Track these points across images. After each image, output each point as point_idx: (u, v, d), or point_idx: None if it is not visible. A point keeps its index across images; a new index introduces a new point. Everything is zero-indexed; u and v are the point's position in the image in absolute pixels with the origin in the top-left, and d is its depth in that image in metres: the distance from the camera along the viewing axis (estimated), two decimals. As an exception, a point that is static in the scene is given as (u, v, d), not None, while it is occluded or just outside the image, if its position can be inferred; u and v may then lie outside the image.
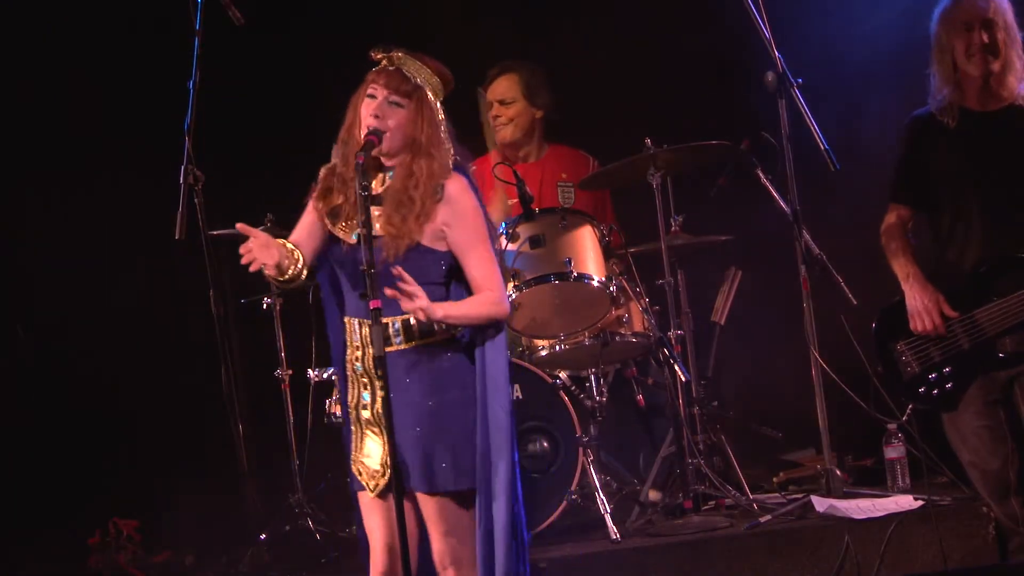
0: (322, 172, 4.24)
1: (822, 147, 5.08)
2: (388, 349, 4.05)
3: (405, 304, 3.99)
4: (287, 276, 4.07)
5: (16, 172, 6.49)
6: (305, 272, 4.13)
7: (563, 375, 5.66)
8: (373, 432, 4.14)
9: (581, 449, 5.33)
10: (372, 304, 3.90)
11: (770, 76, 5.27)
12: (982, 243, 4.82)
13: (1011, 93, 4.85)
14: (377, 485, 4.13)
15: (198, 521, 6.10)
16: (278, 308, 5.90)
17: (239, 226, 4.02)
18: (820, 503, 5.14)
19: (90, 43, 6.48)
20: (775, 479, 6.02)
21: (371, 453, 4.14)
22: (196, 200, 4.15)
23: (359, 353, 4.13)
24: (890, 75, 6.01)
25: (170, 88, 4.64)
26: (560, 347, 5.55)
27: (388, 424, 3.96)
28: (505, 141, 6.19)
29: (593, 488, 5.29)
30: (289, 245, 4.10)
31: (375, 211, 4.11)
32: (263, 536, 5.74)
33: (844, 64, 6.26)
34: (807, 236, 5.32)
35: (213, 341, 5.06)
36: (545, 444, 5.39)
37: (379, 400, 4.10)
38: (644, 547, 5.10)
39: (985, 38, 4.80)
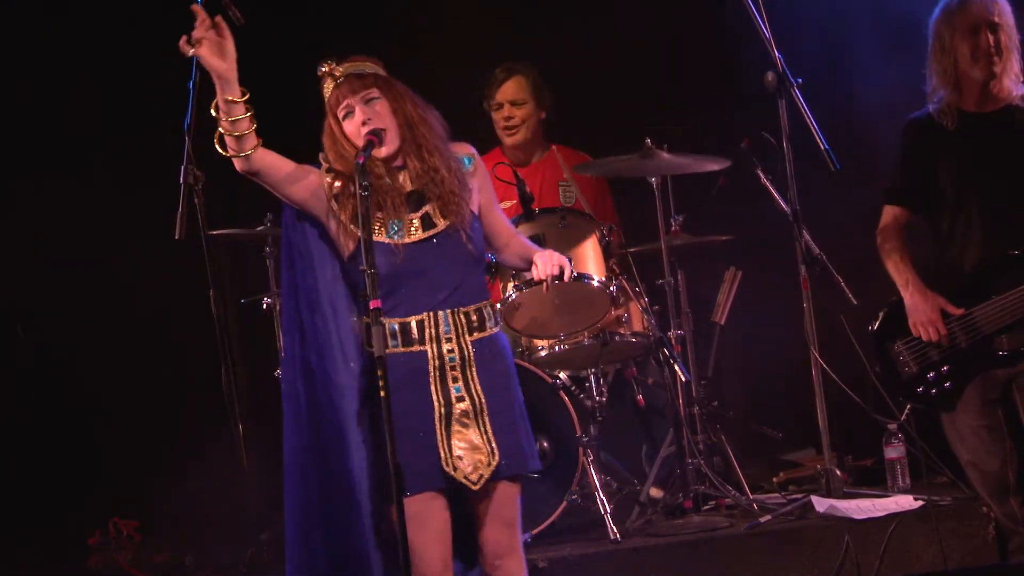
0: (329, 175, 4.17)
1: (822, 147, 5.08)
2: (483, 335, 4.11)
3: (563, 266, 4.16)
4: (234, 120, 3.94)
5: (16, 172, 6.49)
6: (254, 153, 4.01)
7: (563, 375, 5.66)
8: (466, 423, 4.06)
9: (581, 449, 5.33)
10: (372, 304, 3.88)
11: (770, 76, 5.26)
12: (982, 243, 4.82)
13: (1007, 95, 4.84)
14: (482, 476, 4.05)
15: (198, 521, 6.09)
16: (278, 308, 5.89)
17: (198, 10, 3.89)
18: (820, 503, 5.14)
19: (90, 43, 6.48)
20: (775, 479, 6.03)
21: (469, 445, 4.05)
22: (196, 200, 4.13)
23: (449, 346, 4.08)
24: (892, 74, 6.01)
25: (170, 88, 4.63)
26: (560, 347, 5.55)
27: (482, 409, 4.07)
28: (516, 144, 6.16)
29: (593, 488, 5.28)
30: (251, 114, 3.98)
31: (428, 208, 4.12)
32: (263, 536, 5.74)
33: (845, 63, 6.26)
34: (807, 236, 5.32)
35: (213, 341, 5.06)
36: (545, 444, 5.38)
37: (474, 388, 4.07)
38: (644, 547, 5.10)
39: (991, 41, 4.79)
